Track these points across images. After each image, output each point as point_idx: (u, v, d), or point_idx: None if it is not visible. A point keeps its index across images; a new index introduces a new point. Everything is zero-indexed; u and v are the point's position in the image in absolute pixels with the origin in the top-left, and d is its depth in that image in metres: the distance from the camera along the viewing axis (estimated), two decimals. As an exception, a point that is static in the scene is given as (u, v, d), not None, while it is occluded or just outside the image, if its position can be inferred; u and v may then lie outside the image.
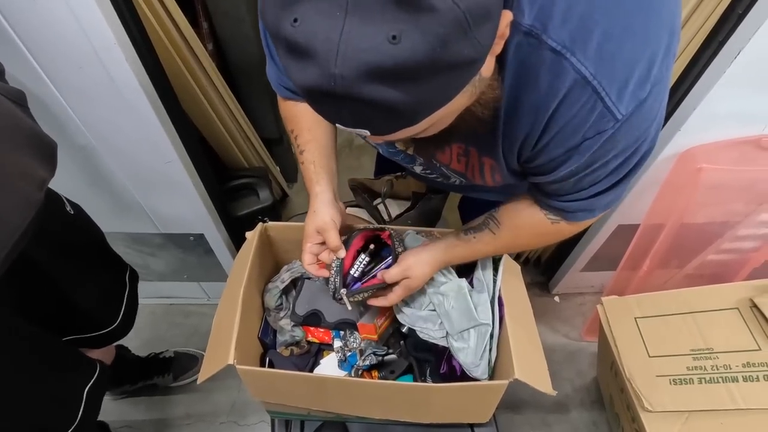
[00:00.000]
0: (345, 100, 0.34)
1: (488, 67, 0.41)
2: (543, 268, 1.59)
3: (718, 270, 1.25)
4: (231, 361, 0.66)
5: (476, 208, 0.76)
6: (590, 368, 1.36)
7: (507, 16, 0.37)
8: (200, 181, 1.07)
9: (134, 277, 1.03)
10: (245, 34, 1.30)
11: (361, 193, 1.03)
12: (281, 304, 0.89)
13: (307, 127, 0.71)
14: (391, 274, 0.68)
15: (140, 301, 1.04)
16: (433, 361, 0.78)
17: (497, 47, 0.40)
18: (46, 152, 0.70)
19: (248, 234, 0.85)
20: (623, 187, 0.57)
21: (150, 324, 1.46)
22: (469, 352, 0.68)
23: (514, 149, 0.54)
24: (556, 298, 1.54)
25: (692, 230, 1.13)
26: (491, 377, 0.72)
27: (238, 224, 1.29)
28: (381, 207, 1.03)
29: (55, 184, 0.83)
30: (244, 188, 1.42)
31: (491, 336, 0.70)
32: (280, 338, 0.88)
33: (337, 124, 0.39)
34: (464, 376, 0.72)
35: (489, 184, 0.65)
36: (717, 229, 1.15)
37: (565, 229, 0.65)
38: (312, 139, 0.71)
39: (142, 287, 1.06)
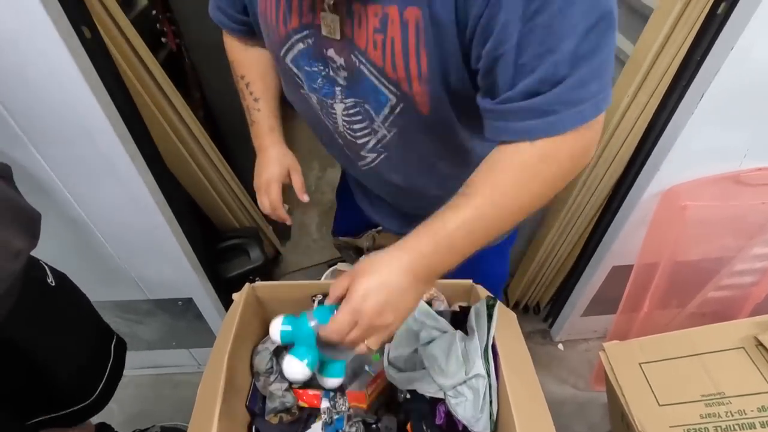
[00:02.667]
0: None
1: None
2: (543, 315, 1.55)
3: (721, 307, 1.22)
4: (214, 436, 0.62)
5: None
6: (603, 421, 1.28)
7: None
8: (189, 245, 1.06)
9: (121, 347, 0.99)
10: (235, 101, 1.36)
11: (347, 251, 1.03)
12: (271, 367, 0.85)
13: (260, 75, 0.73)
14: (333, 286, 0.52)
15: (125, 372, 0.99)
16: (427, 410, 0.72)
17: None
18: (28, 223, 0.70)
19: (235, 296, 0.83)
20: (597, 63, 0.43)
21: (136, 397, 1.38)
22: (468, 406, 0.64)
23: None
24: (560, 346, 1.49)
25: (688, 268, 1.12)
26: (494, 431, 0.68)
27: (229, 286, 1.27)
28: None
29: (39, 253, 0.83)
30: (234, 249, 1.41)
31: (489, 386, 0.67)
32: (269, 405, 0.83)
33: None
34: (465, 428, 0.68)
35: (415, 85, 0.52)
36: (713, 265, 1.14)
37: (552, 150, 0.46)
38: (267, 89, 0.74)
39: (128, 358, 1.01)
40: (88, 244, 1.01)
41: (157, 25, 1.20)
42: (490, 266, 0.89)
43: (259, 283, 0.85)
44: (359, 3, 0.50)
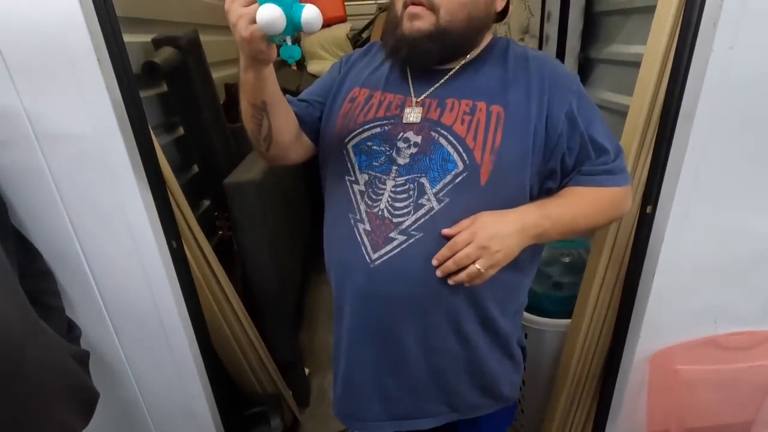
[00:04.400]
0: None
1: None
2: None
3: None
4: None
5: None
6: None
7: None
8: (219, 415, 1.15)
9: None
10: (270, 278, 1.60)
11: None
12: None
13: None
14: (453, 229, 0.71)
15: None
16: None
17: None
18: (88, 405, 0.80)
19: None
20: (623, 159, 0.79)
21: None
22: None
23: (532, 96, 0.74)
24: None
25: (706, 434, 1.10)
26: None
27: (249, 457, 1.29)
28: None
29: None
30: (256, 415, 1.46)
31: None
32: None
33: None
34: None
35: (487, 154, 0.72)
36: (734, 430, 1.12)
37: (611, 194, 0.78)
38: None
39: None
40: (130, 413, 1.12)
41: (216, 222, 1.53)
42: None
43: (281, 453, 0.92)
44: (455, 99, 0.77)
